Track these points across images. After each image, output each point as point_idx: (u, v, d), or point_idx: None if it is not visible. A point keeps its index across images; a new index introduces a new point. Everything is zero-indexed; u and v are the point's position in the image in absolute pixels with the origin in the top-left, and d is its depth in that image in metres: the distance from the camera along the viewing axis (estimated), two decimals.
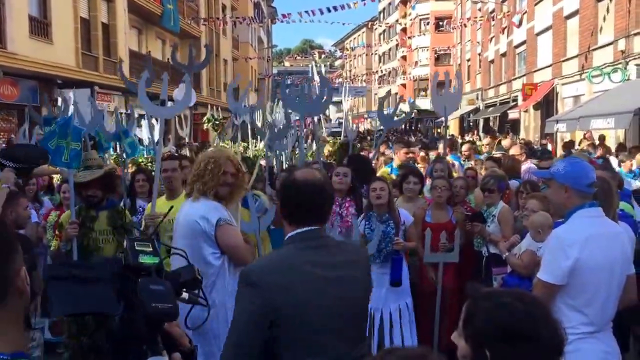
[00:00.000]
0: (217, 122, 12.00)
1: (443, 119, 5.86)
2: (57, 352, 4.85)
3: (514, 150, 8.14)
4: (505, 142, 11.73)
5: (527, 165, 7.28)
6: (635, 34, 15.45)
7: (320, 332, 1.92)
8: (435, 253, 4.49)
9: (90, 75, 16.57)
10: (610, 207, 3.31)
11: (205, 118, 10.47)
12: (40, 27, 14.55)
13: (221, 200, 3.17)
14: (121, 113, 7.62)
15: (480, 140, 17.36)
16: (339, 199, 4.56)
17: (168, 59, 23.15)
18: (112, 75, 17.45)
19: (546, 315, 1.38)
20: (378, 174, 6.60)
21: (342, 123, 10.15)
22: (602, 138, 13.36)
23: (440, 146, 10.35)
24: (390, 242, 4.31)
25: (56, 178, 6.47)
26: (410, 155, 7.97)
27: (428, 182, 5.69)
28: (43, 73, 13.66)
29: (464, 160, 8.56)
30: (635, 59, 15.48)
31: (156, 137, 4.52)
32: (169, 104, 4.87)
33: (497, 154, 9.25)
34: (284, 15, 19.51)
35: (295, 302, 1.89)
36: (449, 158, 7.51)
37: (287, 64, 70.63)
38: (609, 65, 16.62)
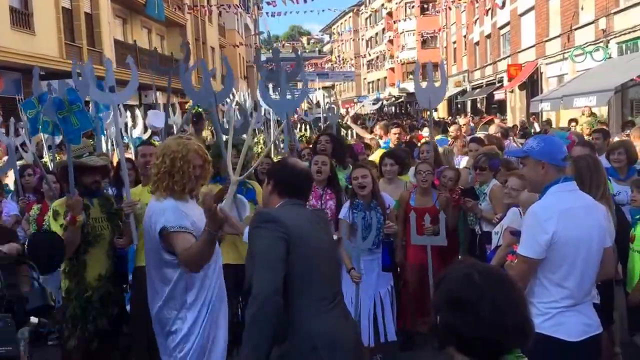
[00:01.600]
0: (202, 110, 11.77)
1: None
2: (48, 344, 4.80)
3: (491, 130, 8.16)
4: (496, 123, 11.69)
5: (507, 143, 7.32)
6: (615, 13, 15.44)
7: (321, 276, 2.35)
8: (422, 236, 4.45)
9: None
10: (598, 183, 3.31)
11: (187, 105, 10.23)
12: (22, 18, 14.30)
13: (187, 192, 3.01)
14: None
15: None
16: (320, 190, 4.40)
17: (155, 47, 22.84)
18: (97, 65, 17.17)
19: (498, 290, 1.34)
20: (373, 157, 6.50)
21: (332, 108, 10.08)
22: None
23: (426, 130, 10.33)
24: (380, 228, 4.16)
25: None
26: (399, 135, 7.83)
27: (413, 166, 5.58)
28: (26, 64, 13.43)
29: (451, 142, 8.50)
30: (616, 37, 15.49)
31: (119, 124, 4.33)
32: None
33: (480, 134, 9.26)
34: (268, 3, 19.10)
35: (305, 239, 2.31)
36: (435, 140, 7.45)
37: None
38: (590, 44, 16.63)
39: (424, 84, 5.70)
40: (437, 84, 5.62)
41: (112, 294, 3.68)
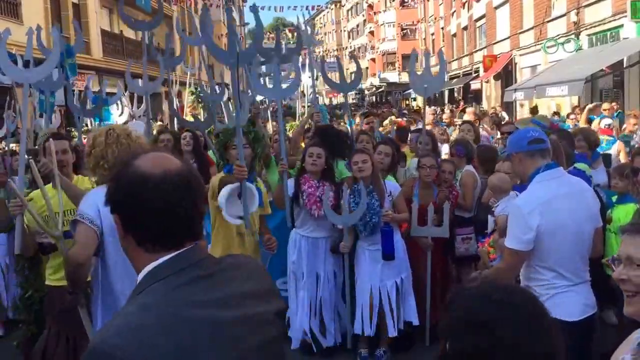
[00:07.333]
0: (201, 95, 11.48)
1: (411, 91, 5.64)
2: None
3: (468, 117, 8.23)
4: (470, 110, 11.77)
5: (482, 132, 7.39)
6: (586, 6, 15.54)
7: None
8: (423, 227, 4.26)
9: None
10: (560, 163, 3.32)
11: (188, 90, 10.01)
12: (10, 8, 13.90)
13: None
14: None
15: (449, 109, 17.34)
16: (316, 182, 4.17)
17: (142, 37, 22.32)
18: (84, 54, 16.81)
19: (523, 311, 1.16)
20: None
21: (316, 98, 9.91)
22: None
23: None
24: (375, 214, 3.98)
25: None
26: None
27: (415, 159, 5.11)
28: (13, 54, 13.07)
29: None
30: (586, 29, 15.60)
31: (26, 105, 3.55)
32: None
33: (458, 121, 9.33)
34: None
35: None
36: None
37: None
38: (562, 36, 16.74)
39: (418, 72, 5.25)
40: (434, 73, 5.21)
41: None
